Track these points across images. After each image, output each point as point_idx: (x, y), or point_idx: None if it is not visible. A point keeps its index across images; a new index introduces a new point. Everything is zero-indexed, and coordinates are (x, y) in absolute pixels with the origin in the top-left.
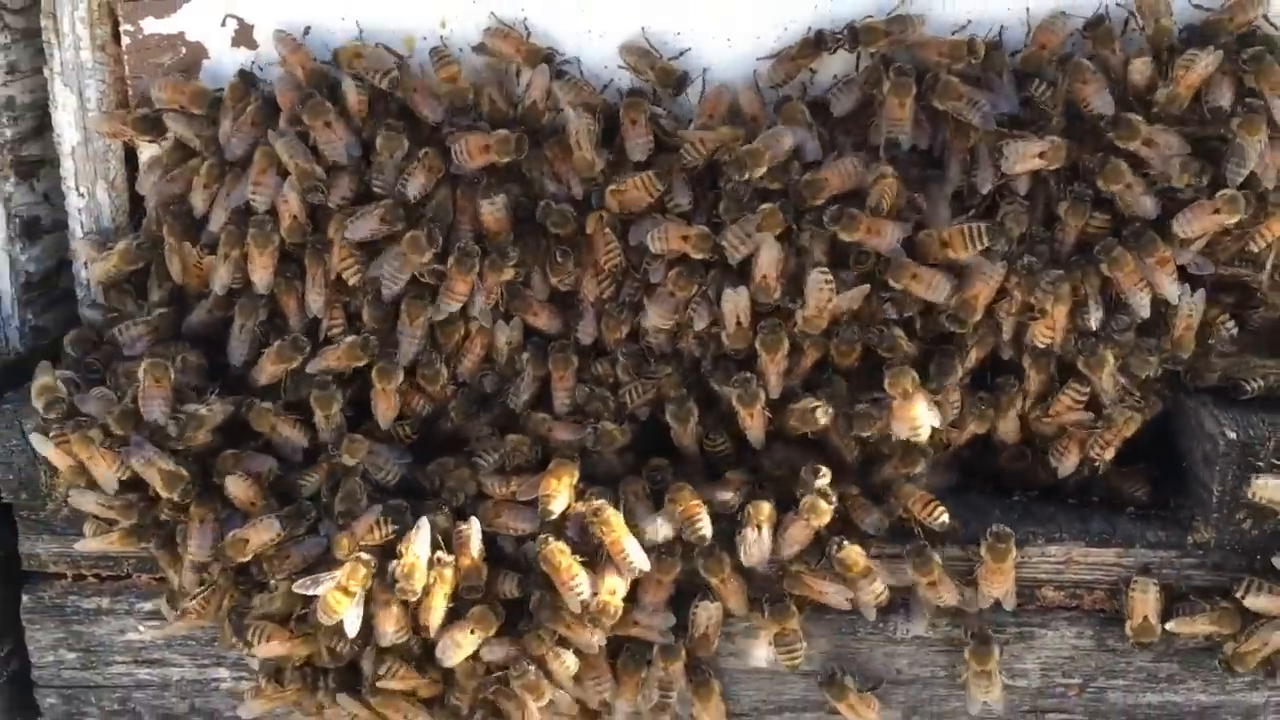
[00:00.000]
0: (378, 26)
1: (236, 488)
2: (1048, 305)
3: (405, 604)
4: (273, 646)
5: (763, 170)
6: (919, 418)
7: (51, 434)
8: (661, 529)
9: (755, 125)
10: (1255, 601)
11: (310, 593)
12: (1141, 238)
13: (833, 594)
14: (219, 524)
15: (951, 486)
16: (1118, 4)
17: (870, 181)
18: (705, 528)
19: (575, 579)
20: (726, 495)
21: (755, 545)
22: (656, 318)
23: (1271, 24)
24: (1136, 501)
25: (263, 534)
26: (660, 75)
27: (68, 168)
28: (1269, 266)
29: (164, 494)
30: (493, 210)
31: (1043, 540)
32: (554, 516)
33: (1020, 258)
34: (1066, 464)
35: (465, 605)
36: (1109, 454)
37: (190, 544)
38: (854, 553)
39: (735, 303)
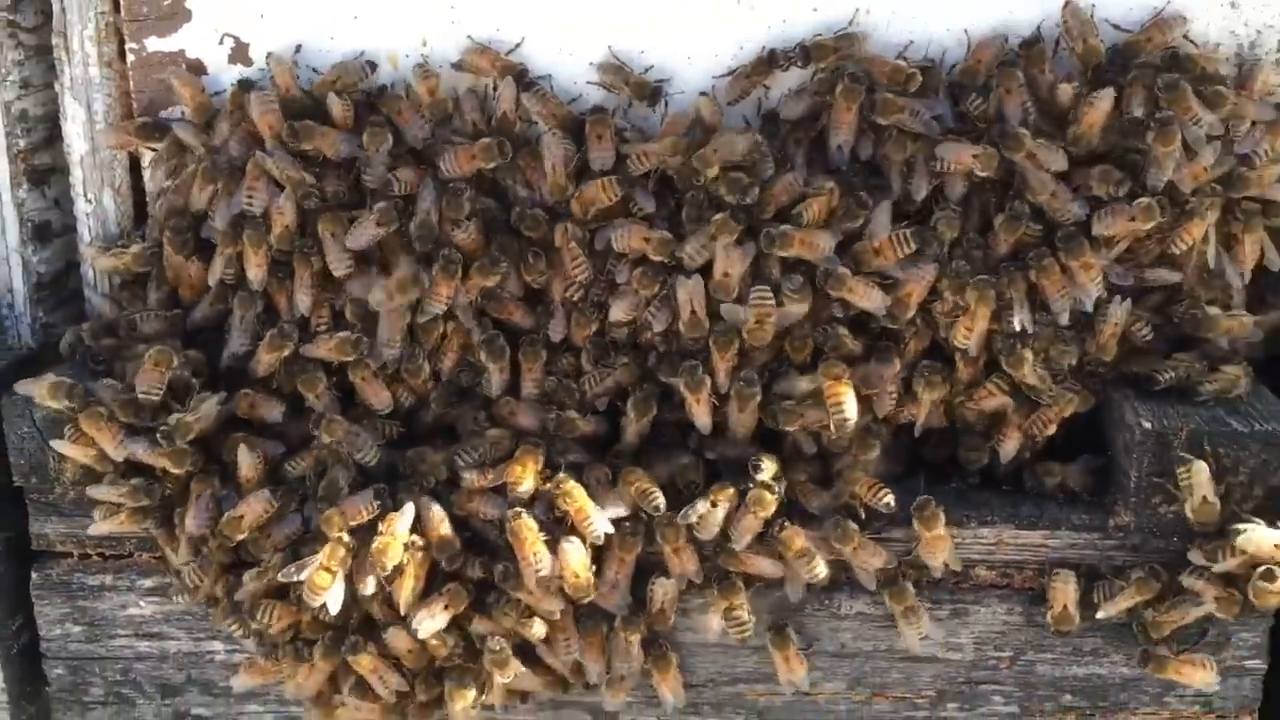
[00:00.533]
0: (364, 45)
1: (246, 464)
2: (971, 306)
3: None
4: (282, 621)
5: (714, 171)
6: (845, 407)
7: (67, 432)
8: (616, 507)
9: (714, 133)
10: (1192, 583)
11: (296, 578)
12: (1071, 241)
13: (767, 567)
14: (215, 501)
15: (897, 474)
16: (1054, 25)
17: (811, 194)
18: (659, 499)
19: (537, 554)
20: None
21: (706, 517)
22: (619, 313)
23: (1191, 42)
24: (1066, 490)
25: (255, 507)
26: (635, 89)
27: (76, 176)
28: (1192, 266)
29: (173, 470)
30: (465, 235)
31: (975, 523)
32: (524, 499)
33: (951, 261)
34: (1007, 448)
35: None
36: (1049, 431)
37: (188, 518)
38: (793, 533)
39: (690, 290)
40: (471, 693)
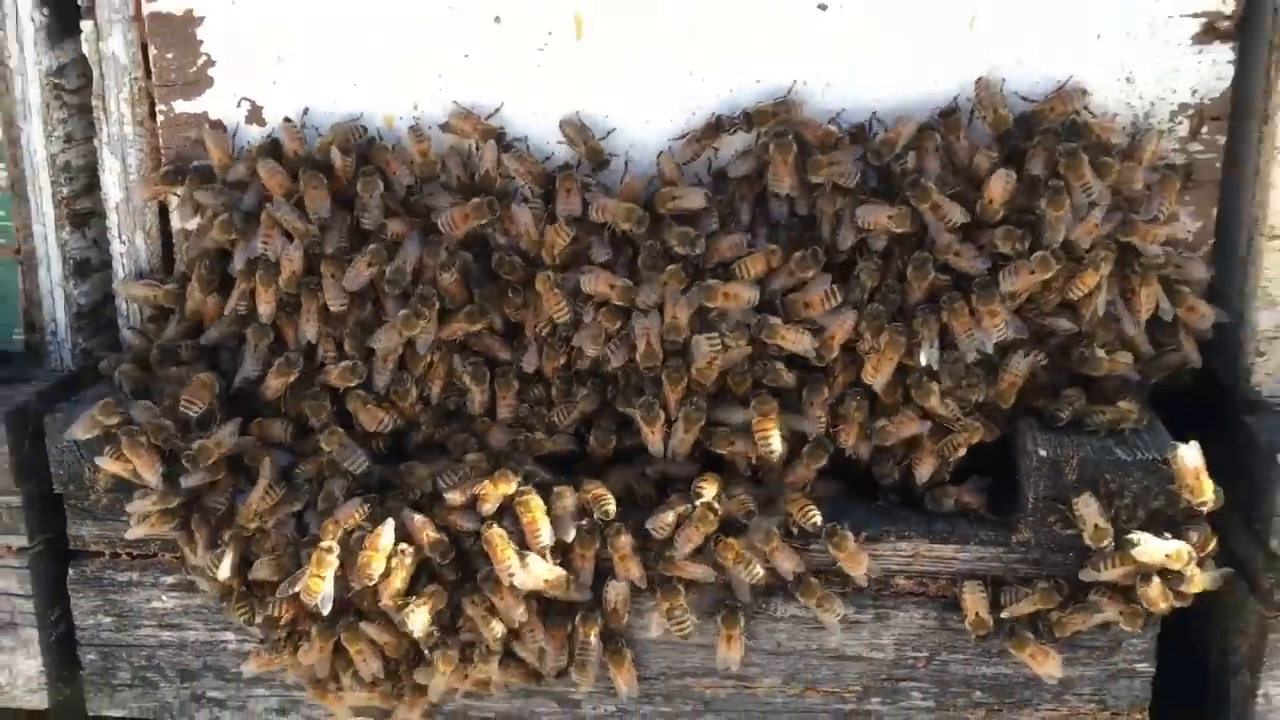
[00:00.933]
0: (363, 108)
1: (265, 469)
2: (881, 348)
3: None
4: (288, 614)
5: (670, 206)
6: (772, 442)
7: (108, 450)
8: (570, 506)
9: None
10: (1097, 599)
11: (293, 591)
12: (984, 290)
13: (700, 573)
14: (232, 495)
15: (833, 494)
16: (969, 97)
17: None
18: (610, 506)
19: (507, 561)
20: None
21: (665, 527)
22: (586, 345)
23: (1090, 112)
24: (964, 508)
25: (258, 496)
26: (590, 152)
27: (112, 220)
28: (1090, 311)
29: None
30: (450, 278)
31: (894, 537)
32: (489, 514)
33: (868, 306)
34: (922, 471)
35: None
36: (959, 454)
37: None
38: (727, 545)
39: (647, 327)
40: (453, 662)
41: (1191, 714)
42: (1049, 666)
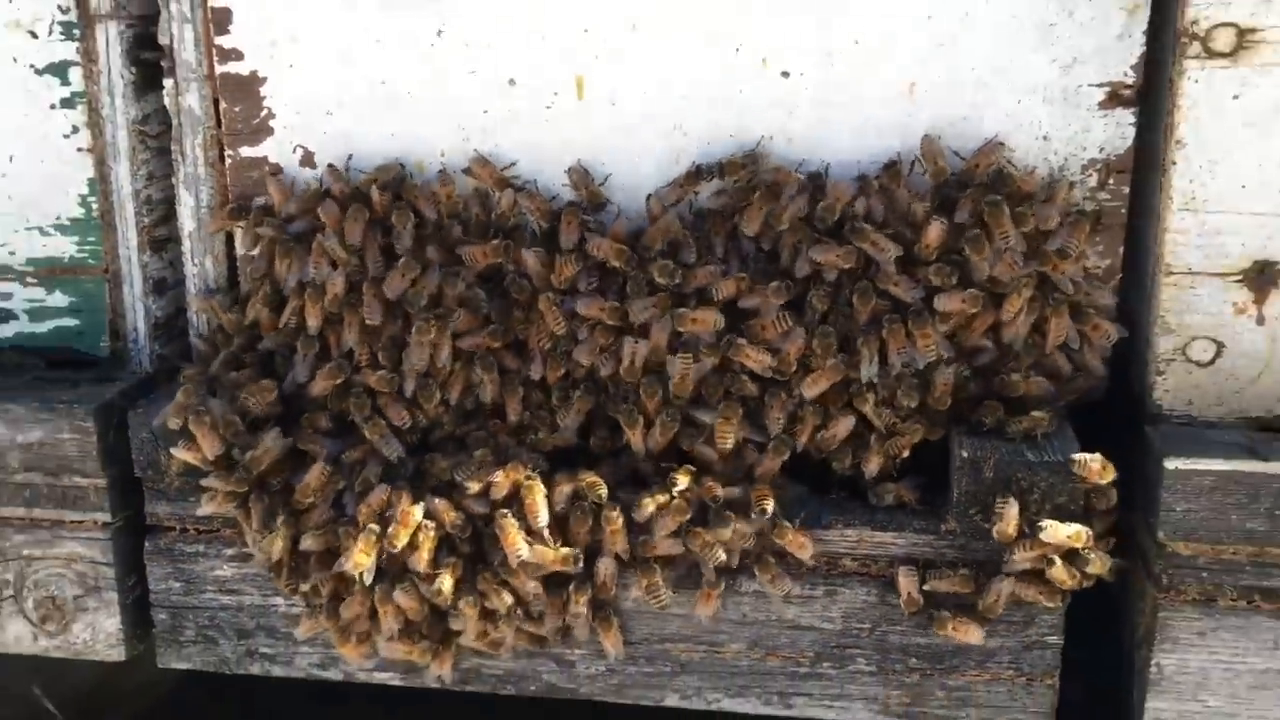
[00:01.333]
0: (400, 153)
1: (319, 454)
2: (824, 368)
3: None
4: (329, 588)
5: (659, 245)
6: (728, 439)
7: (180, 441)
8: (568, 491)
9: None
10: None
11: (343, 569)
12: (919, 315)
13: (674, 549)
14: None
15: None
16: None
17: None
18: (602, 491)
19: (517, 546)
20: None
21: (646, 511)
22: (583, 357)
23: (1013, 165)
24: (908, 503)
25: (315, 474)
26: (589, 196)
27: (186, 245)
28: (1012, 333)
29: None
30: (463, 290)
31: (842, 525)
32: (500, 499)
33: (819, 327)
34: (870, 468)
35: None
36: (904, 453)
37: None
38: (699, 532)
39: (633, 349)
40: (476, 608)
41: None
42: (973, 635)
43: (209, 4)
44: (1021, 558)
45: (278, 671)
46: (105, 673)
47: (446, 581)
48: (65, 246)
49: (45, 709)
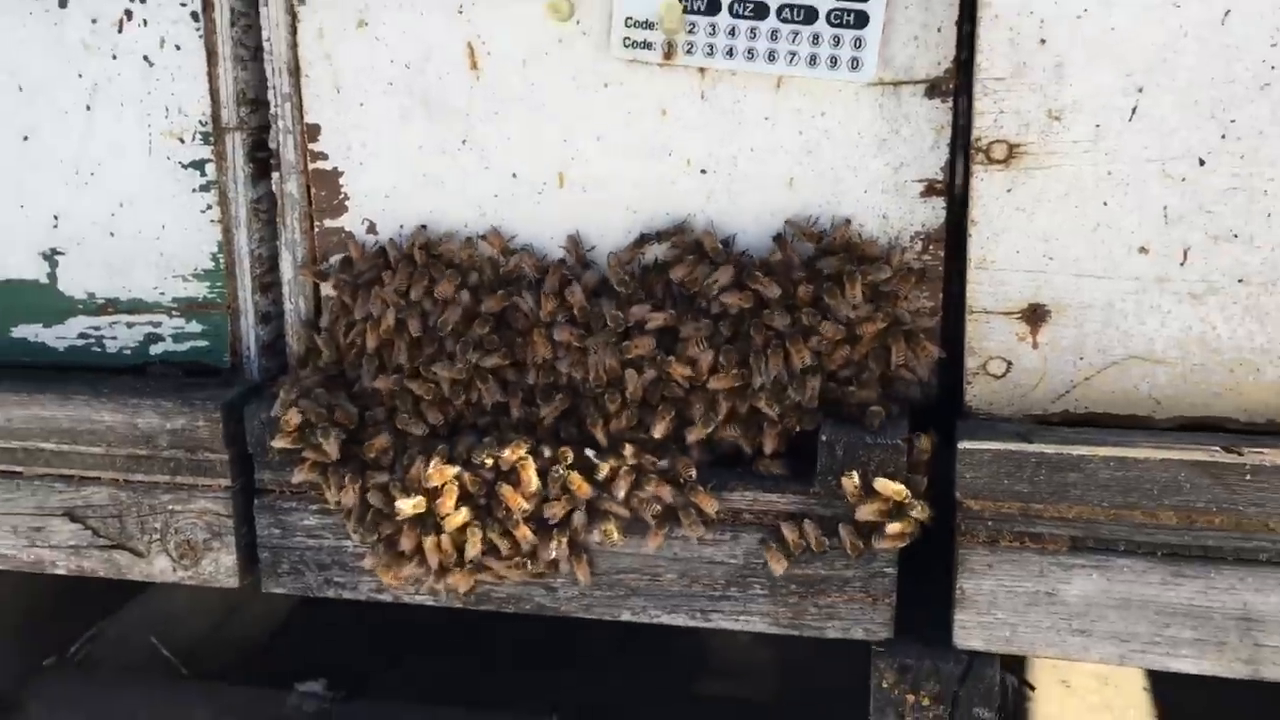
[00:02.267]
0: (436, 225)
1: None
2: (730, 372)
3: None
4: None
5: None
6: (664, 426)
7: (278, 435)
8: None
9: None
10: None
11: (399, 511)
12: (794, 341)
13: (620, 510)
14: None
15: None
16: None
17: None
18: (570, 457)
19: (518, 504)
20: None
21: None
22: (561, 367)
23: (860, 238)
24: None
25: (380, 440)
26: (578, 258)
27: (285, 289)
28: (861, 355)
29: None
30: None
31: (742, 488)
32: (506, 467)
33: (724, 346)
34: (769, 446)
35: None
36: (795, 431)
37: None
38: (657, 487)
39: (596, 363)
40: (480, 534)
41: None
42: (777, 567)
43: (304, 121)
44: (864, 510)
45: (346, 595)
46: (209, 627)
47: (463, 514)
48: (200, 290)
49: (161, 655)
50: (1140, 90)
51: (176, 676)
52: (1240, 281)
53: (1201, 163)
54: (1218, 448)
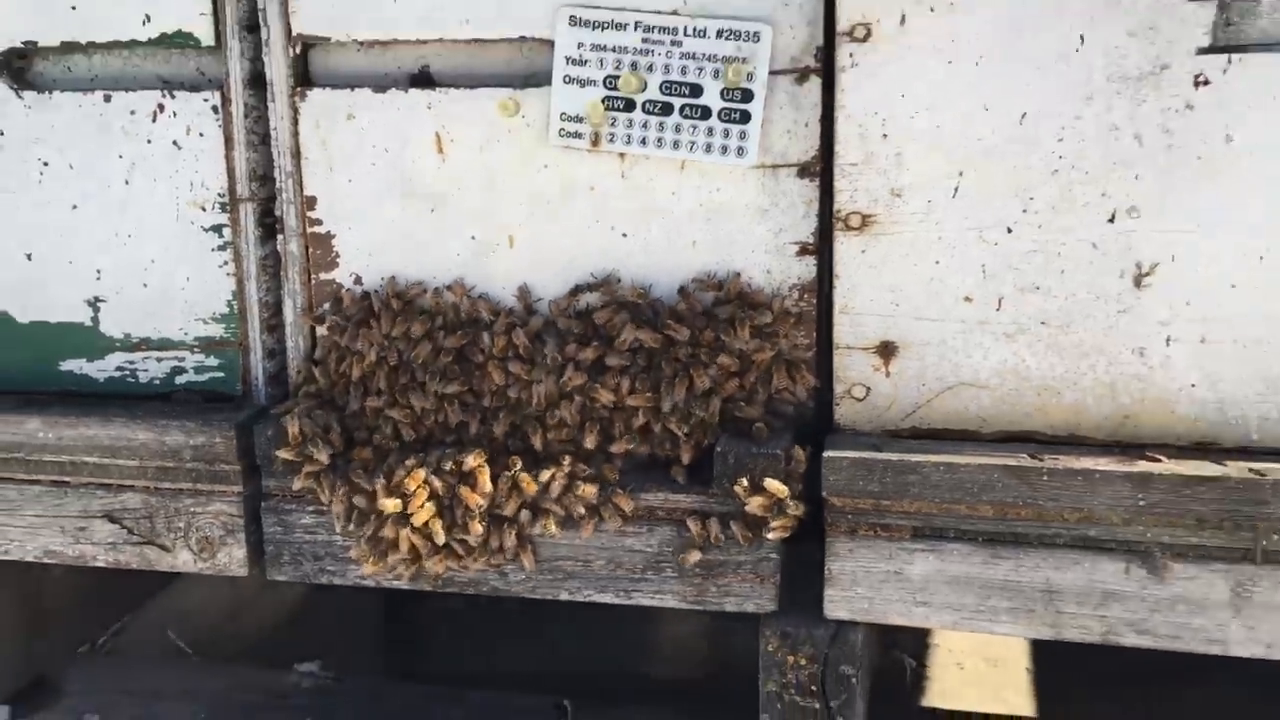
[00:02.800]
0: (413, 278)
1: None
2: (640, 399)
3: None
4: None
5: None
6: (592, 440)
7: (281, 449)
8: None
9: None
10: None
11: (379, 508)
12: (697, 369)
13: (557, 509)
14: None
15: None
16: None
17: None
18: (519, 464)
19: (473, 503)
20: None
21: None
22: (511, 392)
23: (749, 289)
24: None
25: (365, 452)
26: (525, 306)
27: (288, 330)
28: (750, 383)
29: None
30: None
31: (656, 489)
32: (466, 471)
33: (638, 375)
34: (685, 457)
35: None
36: (705, 444)
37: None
38: (576, 492)
39: (538, 391)
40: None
41: None
42: (690, 558)
43: (304, 194)
44: (752, 504)
45: (336, 581)
46: (220, 621)
47: (428, 511)
48: (217, 330)
49: (176, 646)
50: (961, 174)
51: (191, 660)
52: (1042, 324)
53: (1009, 230)
54: (1025, 455)
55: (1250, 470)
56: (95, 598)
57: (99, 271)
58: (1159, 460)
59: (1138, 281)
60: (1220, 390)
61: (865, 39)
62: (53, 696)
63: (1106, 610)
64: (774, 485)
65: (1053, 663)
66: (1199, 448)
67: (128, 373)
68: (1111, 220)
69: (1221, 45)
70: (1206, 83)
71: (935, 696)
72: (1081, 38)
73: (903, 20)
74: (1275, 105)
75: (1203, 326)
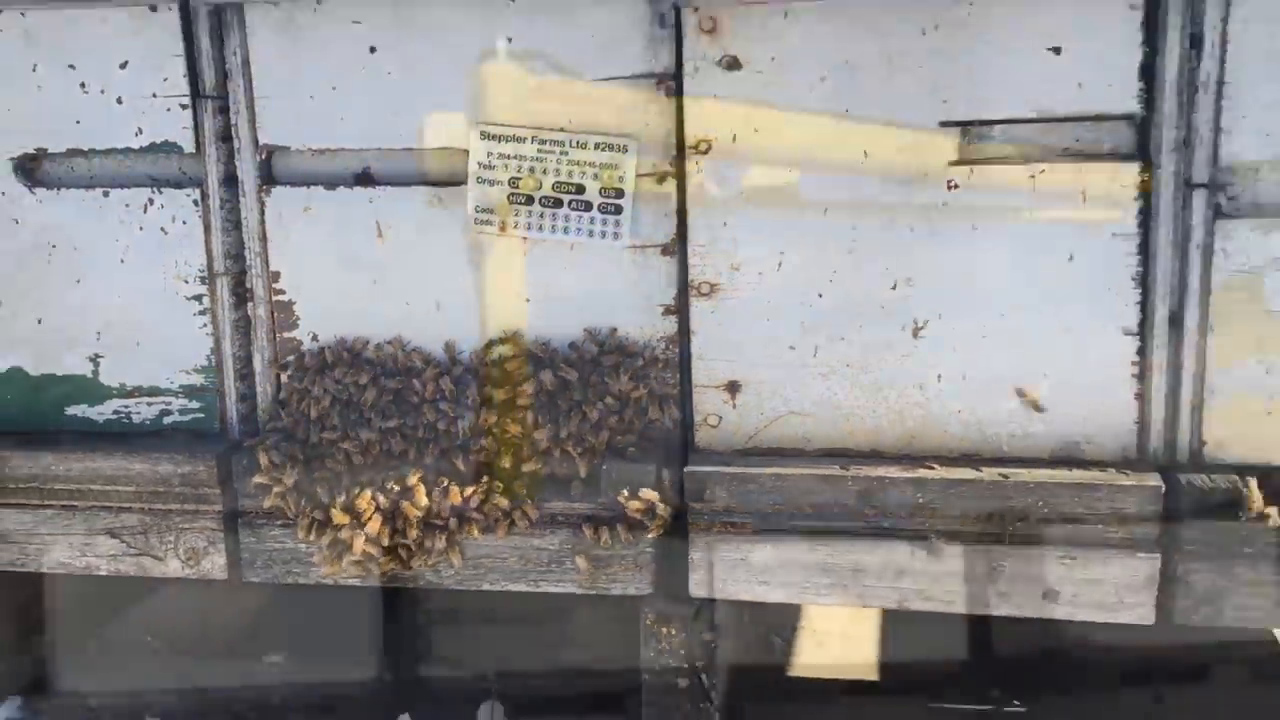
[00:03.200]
0: (363, 335)
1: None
2: (544, 427)
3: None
4: (325, 538)
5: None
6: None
7: (256, 476)
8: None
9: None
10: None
11: (333, 520)
12: (589, 404)
13: (500, 515)
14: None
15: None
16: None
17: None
18: (455, 484)
19: (413, 513)
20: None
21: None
22: (445, 425)
23: (626, 339)
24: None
25: (324, 474)
26: (451, 358)
27: (257, 378)
28: (630, 414)
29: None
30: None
31: (556, 499)
32: (405, 489)
33: (541, 411)
34: (581, 471)
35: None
36: (593, 463)
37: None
38: (500, 500)
39: (463, 425)
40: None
41: None
42: (583, 567)
43: (269, 269)
44: (632, 509)
45: (301, 580)
46: (194, 622)
47: (376, 521)
48: (198, 379)
49: (155, 646)
50: (783, 253)
51: (169, 656)
52: (847, 366)
53: (820, 295)
54: (837, 467)
55: (999, 474)
56: (79, 604)
57: (98, 333)
58: (933, 468)
59: (915, 334)
60: (979, 414)
61: (707, 151)
62: (51, 695)
63: (899, 583)
64: (648, 494)
65: (903, 647)
66: (965, 458)
67: (123, 415)
68: (894, 288)
69: (967, 159)
70: (956, 186)
71: (799, 669)
72: (865, 153)
73: (734, 138)
74: (1000, 202)
75: (964, 367)
